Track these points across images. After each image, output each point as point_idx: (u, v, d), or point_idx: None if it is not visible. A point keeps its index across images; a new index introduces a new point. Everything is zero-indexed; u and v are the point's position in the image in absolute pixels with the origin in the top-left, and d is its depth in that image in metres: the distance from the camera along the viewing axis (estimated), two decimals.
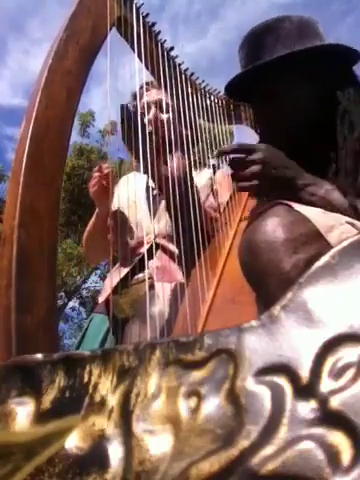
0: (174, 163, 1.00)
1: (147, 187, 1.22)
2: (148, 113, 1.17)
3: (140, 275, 1.10)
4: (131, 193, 1.18)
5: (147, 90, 1.20)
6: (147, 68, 0.92)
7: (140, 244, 1.14)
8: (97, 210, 1.21)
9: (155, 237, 1.10)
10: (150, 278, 1.05)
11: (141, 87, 1.21)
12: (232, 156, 0.70)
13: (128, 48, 0.87)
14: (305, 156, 0.75)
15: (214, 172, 1.24)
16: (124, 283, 1.09)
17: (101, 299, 1.18)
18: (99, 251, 1.30)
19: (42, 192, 0.58)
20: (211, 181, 1.22)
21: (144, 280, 1.07)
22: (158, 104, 1.11)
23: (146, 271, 1.02)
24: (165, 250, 1.10)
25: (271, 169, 0.67)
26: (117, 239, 1.14)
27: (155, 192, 1.16)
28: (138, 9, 0.86)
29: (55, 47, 0.67)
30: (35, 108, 0.61)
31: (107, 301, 1.14)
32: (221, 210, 1.12)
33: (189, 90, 1.03)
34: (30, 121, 0.60)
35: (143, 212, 1.16)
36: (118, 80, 0.82)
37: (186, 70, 1.03)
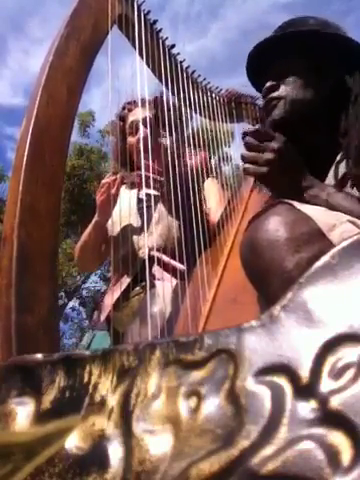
0: (198, 157, 1.00)
1: (138, 200, 1.21)
2: (136, 133, 1.18)
3: (138, 287, 1.10)
4: (123, 208, 1.16)
5: (130, 110, 1.21)
6: (148, 66, 0.92)
7: (135, 257, 1.13)
8: (96, 218, 1.19)
9: (149, 250, 1.09)
10: (151, 284, 1.05)
11: (124, 108, 1.22)
12: (250, 137, 0.68)
13: (129, 46, 0.87)
14: (301, 145, 0.76)
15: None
16: (125, 296, 1.09)
17: (102, 317, 1.17)
18: (91, 260, 1.29)
19: (43, 191, 0.58)
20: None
21: (142, 292, 1.08)
22: (145, 122, 1.10)
23: (147, 276, 1.02)
24: (159, 262, 1.10)
25: (283, 162, 0.66)
26: (116, 251, 1.13)
27: (147, 201, 1.16)
28: (139, 7, 0.86)
29: (56, 44, 0.67)
30: (36, 106, 0.61)
31: (108, 318, 1.14)
32: (212, 213, 1.13)
33: (190, 88, 1.03)
34: (31, 119, 0.60)
35: (135, 226, 1.16)
36: (119, 79, 0.82)
37: (187, 68, 1.02)
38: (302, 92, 0.75)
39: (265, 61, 0.79)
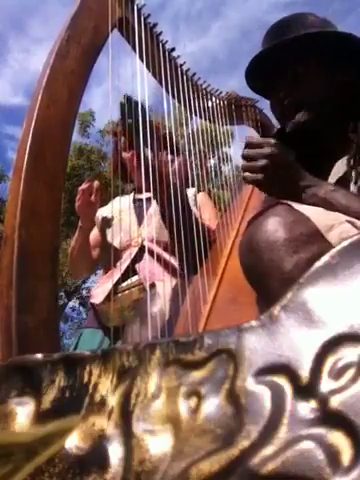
0: (176, 164, 1.01)
1: (134, 200, 1.26)
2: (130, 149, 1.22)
3: (129, 281, 1.11)
4: (117, 205, 1.21)
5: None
6: (148, 69, 0.92)
7: (126, 248, 1.15)
8: (80, 224, 1.23)
9: (142, 240, 1.11)
10: (141, 284, 1.06)
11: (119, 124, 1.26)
12: (245, 149, 0.71)
13: (129, 49, 0.87)
14: (316, 142, 0.77)
15: (198, 191, 1.29)
16: (114, 290, 1.10)
17: (97, 301, 1.18)
18: (84, 267, 1.32)
19: (44, 191, 0.58)
20: (194, 197, 1.26)
21: (134, 286, 1.09)
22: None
23: (146, 273, 1.03)
24: (151, 252, 1.11)
25: (277, 165, 0.68)
26: (105, 244, 1.15)
27: (142, 201, 1.19)
28: (139, 10, 0.86)
29: (57, 46, 0.67)
30: (36, 108, 0.62)
31: (97, 313, 1.16)
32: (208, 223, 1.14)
33: (190, 91, 1.03)
34: (31, 121, 0.61)
35: (130, 219, 1.19)
36: (119, 80, 0.82)
37: (187, 71, 1.03)
38: (319, 93, 0.77)
39: (272, 64, 0.80)
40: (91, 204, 1.18)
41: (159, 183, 0.89)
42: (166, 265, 1.06)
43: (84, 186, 1.18)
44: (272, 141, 0.71)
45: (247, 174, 0.70)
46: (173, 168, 1.00)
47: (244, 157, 0.71)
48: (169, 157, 1.07)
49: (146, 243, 1.12)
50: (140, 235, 1.15)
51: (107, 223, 1.22)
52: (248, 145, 0.71)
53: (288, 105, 0.78)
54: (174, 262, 1.03)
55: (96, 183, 1.19)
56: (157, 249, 1.11)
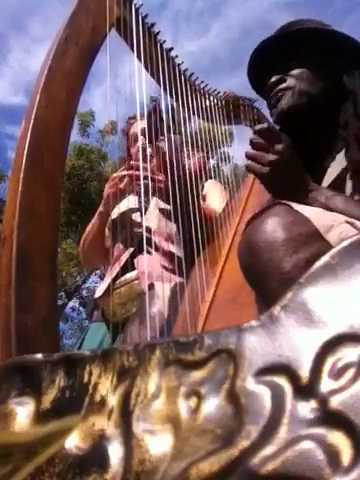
0: (192, 160, 1.02)
1: (138, 195, 1.27)
2: (135, 144, 1.27)
3: (128, 276, 1.11)
4: (126, 203, 1.21)
5: (132, 124, 1.31)
6: (146, 69, 0.92)
7: (127, 243, 1.16)
8: (101, 209, 1.23)
9: (141, 234, 1.12)
10: (138, 279, 1.06)
11: (126, 122, 1.31)
12: (257, 136, 0.69)
13: (128, 49, 0.87)
14: (305, 137, 0.78)
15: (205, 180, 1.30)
16: (115, 284, 1.10)
17: (98, 293, 1.19)
18: (96, 254, 1.31)
19: (42, 191, 0.58)
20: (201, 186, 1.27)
21: (133, 280, 1.10)
22: (144, 132, 1.15)
23: (145, 267, 1.03)
24: (150, 243, 1.12)
25: (285, 164, 0.67)
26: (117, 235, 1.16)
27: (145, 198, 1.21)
28: (137, 10, 0.86)
29: (55, 47, 0.67)
30: (35, 108, 0.62)
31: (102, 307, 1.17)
32: (211, 209, 1.14)
33: (188, 90, 1.03)
34: (30, 121, 0.61)
35: (133, 212, 1.20)
36: (118, 80, 0.82)
37: (185, 70, 1.03)
38: (308, 84, 0.78)
39: (268, 61, 0.81)
40: (120, 191, 1.18)
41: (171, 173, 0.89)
42: (165, 254, 1.06)
43: (120, 174, 1.19)
44: (288, 140, 0.71)
45: (253, 164, 0.68)
46: (192, 162, 1.01)
47: (255, 143, 0.69)
48: (196, 153, 1.08)
49: (144, 235, 1.12)
50: (141, 229, 1.16)
51: (132, 216, 1.22)
52: (264, 131, 0.68)
53: (277, 91, 0.78)
54: (173, 249, 1.04)
55: (129, 172, 1.21)
56: (156, 239, 1.11)
